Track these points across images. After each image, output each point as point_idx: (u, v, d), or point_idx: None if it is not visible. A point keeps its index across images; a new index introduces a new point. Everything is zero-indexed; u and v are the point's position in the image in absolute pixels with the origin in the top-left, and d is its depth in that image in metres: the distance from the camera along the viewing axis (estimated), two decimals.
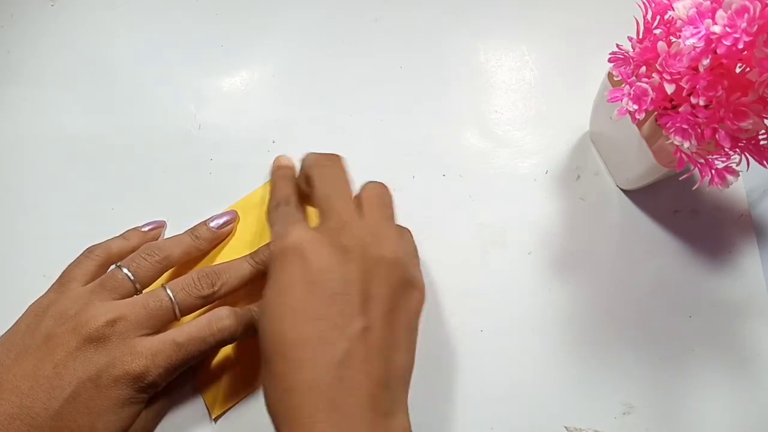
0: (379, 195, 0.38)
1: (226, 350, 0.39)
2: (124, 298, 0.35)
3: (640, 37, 0.36)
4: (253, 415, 0.38)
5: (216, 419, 0.38)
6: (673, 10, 0.32)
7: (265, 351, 0.30)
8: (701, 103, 0.32)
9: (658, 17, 0.35)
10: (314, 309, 0.30)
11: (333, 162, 0.38)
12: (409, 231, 0.38)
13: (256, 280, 0.38)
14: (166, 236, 0.43)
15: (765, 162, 0.34)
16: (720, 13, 0.29)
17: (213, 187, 0.46)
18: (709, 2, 0.30)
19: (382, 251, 0.33)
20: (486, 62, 0.51)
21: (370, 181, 0.39)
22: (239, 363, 0.39)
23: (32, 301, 0.35)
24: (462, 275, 0.43)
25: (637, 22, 0.36)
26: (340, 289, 0.31)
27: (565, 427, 0.40)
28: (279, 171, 0.42)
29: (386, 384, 0.30)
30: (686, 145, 0.33)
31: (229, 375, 0.39)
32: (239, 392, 0.39)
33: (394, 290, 0.32)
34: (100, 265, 0.37)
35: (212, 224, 0.42)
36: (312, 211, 0.40)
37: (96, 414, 0.31)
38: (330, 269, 0.31)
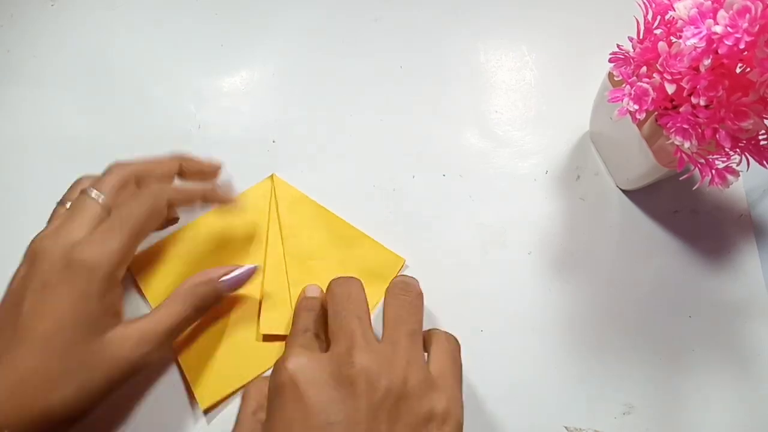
0: (399, 305, 0.34)
1: (215, 340, 0.39)
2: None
3: (641, 37, 0.36)
4: None
5: (206, 412, 0.38)
6: (674, 10, 0.32)
7: None
8: (702, 103, 0.32)
9: (659, 17, 0.35)
10: None
11: (348, 281, 0.35)
12: (449, 340, 0.34)
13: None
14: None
15: (765, 162, 0.34)
16: (721, 13, 0.29)
17: None
18: (710, 2, 0.30)
19: (393, 381, 0.28)
20: (486, 62, 0.51)
21: (390, 286, 0.36)
22: (230, 354, 0.39)
23: None
24: (462, 275, 0.43)
25: (638, 22, 0.36)
26: None
27: (565, 427, 0.40)
28: (302, 302, 0.38)
29: None
30: (687, 145, 0.33)
31: (218, 366, 0.39)
32: (231, 384, 0.38)
33: (414, 430, 0.28)
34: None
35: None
36: None
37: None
38: (330, 410, 0.27)
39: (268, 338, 0.40)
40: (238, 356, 0.39)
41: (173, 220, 0.41)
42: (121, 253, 0.33)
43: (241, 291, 0.39)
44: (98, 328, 0.31)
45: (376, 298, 0.41)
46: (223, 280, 0.36)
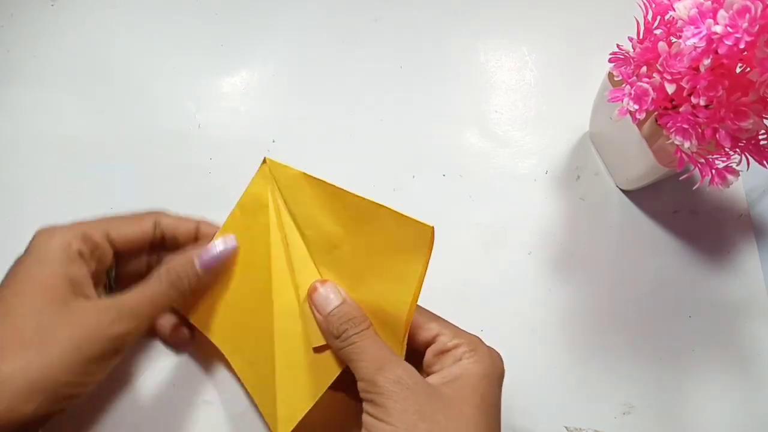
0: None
1: (270, 363, 0.36)
2: None
3: (641, 37, 0.36)
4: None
5: None
6: (674, 10, 0.32)
7: None
8: (702, 103, 0.32)
9: (659, 17, 0.35)
10: None
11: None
12: (491, 357, 0.33)
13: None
14: None
15: (765, 162, 0.34)
16: (722, 13, 0.29)
17: (213, 187, 0.46)
18: (710, 2, 0.30)
19: None
20: (486, 62, 0.51)
21: None
22: (290, 374, 0.35)
23: None
24: (462, 275, 0.43)
25: (638, 23, 0.36)
26: None
27: (565, 427, 0.40)
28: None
29: None
30: (687, 144, 0.33)
31: (283, 390, 0.35)
32: (303, 406, 0.34)
33: None
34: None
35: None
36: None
37: None
38: None
39: (320, 349, 0.35)
40: (301, 374, 0.35)
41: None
42: (80, 229, 0.33)
43: (278, 301, 0.36)
44: (59, 296, 0.31)
45: (412, 276, 0.34)
46: (200, 258, 0.35)
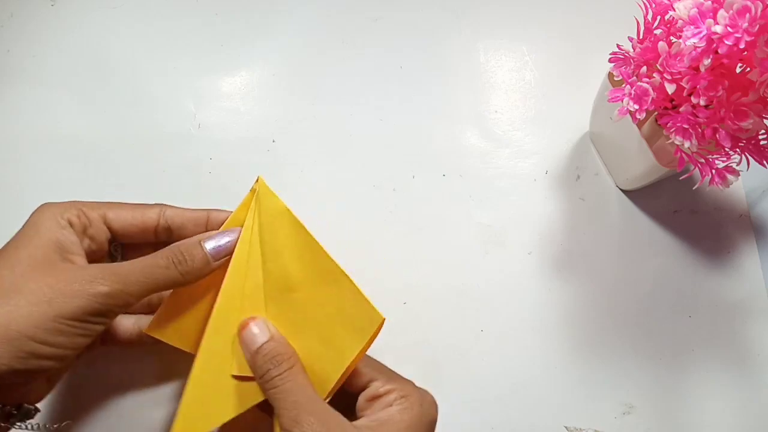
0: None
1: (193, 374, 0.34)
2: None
3: (641, 37, 0.36)
4: None
5: None
6: (674, 10, 0.32)
7: None
8: (702, 102, 0.32)
9: (659, 17, 0.35)
10: None
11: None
12: (422, 402, 0.33)
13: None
14: None
15: (765, 162, 0.34)
16: (722, 12, 0.29)
17: (213, 187, 0.46)
18: (710, 2, 0.30)
19: None
20: (486, 62, 0.51)
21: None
22: (204, 391, 0.34)
23: None
24: (462, 275, 0.43)
25: (638, 22, 0.36)
26: None
27: (566, 427, 0.40)
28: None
29: None
30: (687, 144, 0.33)
31: (194, 401, 0.34)
32: (209, 422, 0.34)
33: None
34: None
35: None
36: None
37: None
38: None
39: (242, 378, 0.34)
40: (213, 395, 0.34)
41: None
42: (76, 205, 0.34)
43: (216, 318, 0.34)
44: (43, 257, 0.31)
45: (348, 353, 0.33)
46: (209, 242, 0.34)
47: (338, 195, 0.46)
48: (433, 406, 0.34)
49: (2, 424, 0.30)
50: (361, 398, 0.34)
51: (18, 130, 0.47)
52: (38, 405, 0.32)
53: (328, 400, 0.33)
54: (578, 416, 0.40)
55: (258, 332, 0.34)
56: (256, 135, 0.48)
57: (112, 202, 0.36)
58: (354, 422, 0.31)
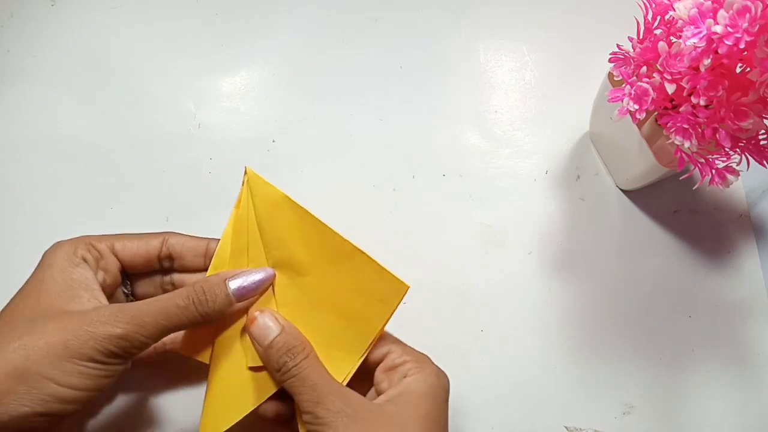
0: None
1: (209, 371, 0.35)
2: None
3: (641, 37, 0.36)
4: None
5: None
6: (674, 10, 0.32)
7: None
8: (702, 102, 0.32)
9: (659, 17, 0.35)
10: None
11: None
12: (438, 376, 0.33)
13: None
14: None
15: (765, 162, 0.34)
16: (722, 12, 0.29)
17: (213, 187, 0.46)
18: (710, 2, 0.30)
19: None
20: (486, 62, 0.51)
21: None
22: (222, 387, 0.35)
23: None
24: (462, 275, 0.43)
25: (638, 22, 0.36)
26: None
27: (566, 427, 0.40)
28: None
29: None
30: (687, 144, 0.33)
31: (214, 399, 0.35)
32: (229, 417, 0.34)
33: None
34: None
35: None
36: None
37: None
38: None
39: (256, 368, 0.34)
40: (233, 389, 0.34)
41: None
42: (85, 239, 0.34)
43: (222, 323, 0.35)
44: (59, 297, 0.31)
45: (375, 323, 0.34)
46: (231, 282, 0.33)
47: (338, 195, 0.46)
48: (447, 379, 0.34)
49: None
50: (378, 371, 0.34)
51: (18, 130, 0.48)
52: None
53: (352, 374, 0.34)
54: (578, 416, 0.40)
55: (268, 325, 0.33)
56: (256, 135, 0.48)
57: (117, 234, 0.36)
58: (373, 400, 0.32)
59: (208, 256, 0.36)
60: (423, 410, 0.31)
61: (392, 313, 0.34)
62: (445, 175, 0.47)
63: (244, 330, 0.34)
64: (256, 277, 0.34)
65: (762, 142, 0.34)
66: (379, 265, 0.34)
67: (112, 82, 0.49)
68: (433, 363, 0.34)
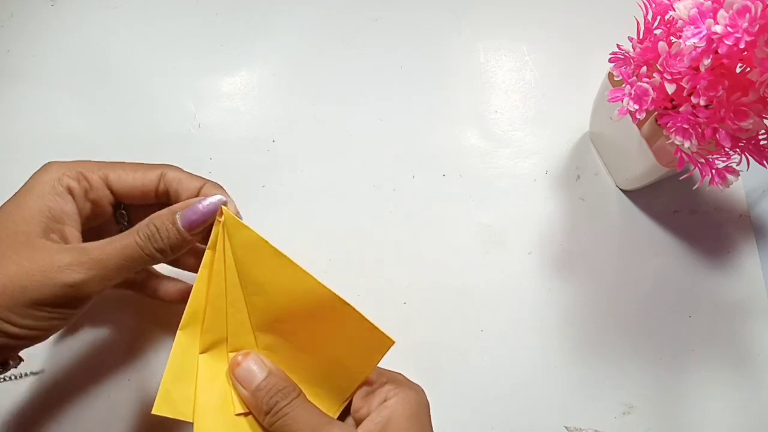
0: None
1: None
2: None
3: (641, 37, 0.36)
4: None
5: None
6: (674, 10, 0.32)
7: None
8: (702, 102, 0.32)
9: (659, 17, 0.35)
10: None
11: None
12: (417, 393, 0.33)
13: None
14: None
15: (765, 162, 0.34)
16: (722, 12, 0.29)
17: None
18: (710, 2, 0.30)
19: None
20: (486, 62, 0.51)
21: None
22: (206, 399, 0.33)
23: None
24: (462, 275, 0.43)
25: (638, 23, 0.36)
26: None
27: (566, 427, 0.40)
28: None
29: None
30: (687, 144, 0.33)
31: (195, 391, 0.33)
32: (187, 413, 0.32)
33: None
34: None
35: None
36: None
37: None
38: None
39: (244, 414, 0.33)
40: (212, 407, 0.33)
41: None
42: (78, 167, 0.32)
43: (204, 370, 0.33)
44: (28, 230, 0.30)
45: (360, 374, 0.33)
46: (182, 213, 0.32)
47: (338, 195, 0.46)
48: (423, 391, 0.34)
49: None
50: (357, 397, 0.33)
51: (18, 130, 0.48)
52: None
53: (336, 416, 0.33)
54: (578, 416, 0.40)
55: (255, 369, 0.32)
56: (256, 135, 0.48)
57: (114, 163, 0.34)
58: (359, 428, 0.31)
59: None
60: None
61: (376, 365, 0.33)
62: (445, 175, 0.47)
63: (227, 377, 0.33)
64: (203, 203, 0.32)
65: (762, 142, 0.34)
66: (364, 318, 0.32)
67: (112, 82, 0.49)
68: (407, 379, 0.34)
